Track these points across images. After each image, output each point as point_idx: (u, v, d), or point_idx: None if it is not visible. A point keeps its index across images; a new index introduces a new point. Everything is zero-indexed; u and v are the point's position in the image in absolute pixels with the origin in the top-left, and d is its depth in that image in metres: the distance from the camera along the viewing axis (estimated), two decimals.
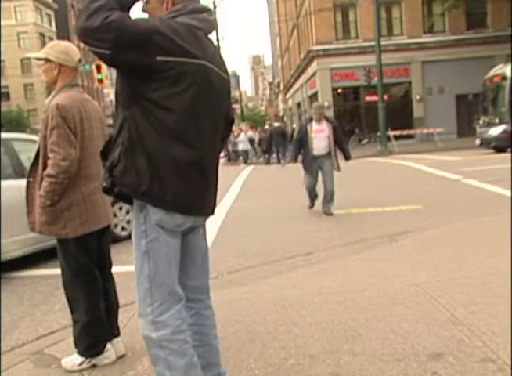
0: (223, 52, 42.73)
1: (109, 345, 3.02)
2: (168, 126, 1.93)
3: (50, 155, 2.83)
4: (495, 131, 16.86)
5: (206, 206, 2.12)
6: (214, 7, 30.82)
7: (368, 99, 27.59)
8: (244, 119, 43.96)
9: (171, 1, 2.03)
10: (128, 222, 6.91)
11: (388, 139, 22.81)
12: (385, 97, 23.84)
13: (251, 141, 26.68)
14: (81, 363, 2.97)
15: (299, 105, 41.12)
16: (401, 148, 22.43)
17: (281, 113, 59.75)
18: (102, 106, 50.56)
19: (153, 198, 1.94)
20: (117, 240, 6.58)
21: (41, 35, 62.15)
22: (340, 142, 8.09)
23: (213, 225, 7.22)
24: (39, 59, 3.02)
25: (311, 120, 8.10)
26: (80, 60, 3.06)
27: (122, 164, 1.95)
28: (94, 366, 2.98)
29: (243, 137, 25.89)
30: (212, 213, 2.18)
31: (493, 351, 2.68)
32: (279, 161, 22.26)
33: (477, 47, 27.58)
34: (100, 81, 19.24)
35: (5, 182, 5.52)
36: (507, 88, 16.90)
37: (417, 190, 9.86)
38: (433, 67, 28.15)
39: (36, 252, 5.88)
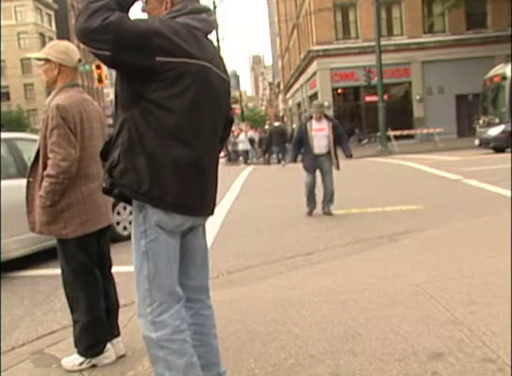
0: (223, 52, 42.80)
1: (109, 345, 3.02)
2: (168, 127, 1.93)
3: (50, 155, 2.83)
4: (494, 131, 16.86)
5: (206, 206, 2.12)
6: (214, 7, 30.82)
7: (368, 99, 27.63)
8: (244, 119, 43.93)
9: (170, 1, 2.02)
10: (131, 223, 6.90)
11: (388, 139, 22.81)
12: (385, 97, 23.85)
13: (251, 141, 26.68)
14: (81, 363, 2.97)
15: (299, 105, 41.12)
16: (401, 148, 22.43)
17: (281, 114, 59.75)
18: (102, 106, 50.54)
19: (152, 199, 1.94)
20: (118, 239, 6.54)
21: (41, 35, 62.15)
22: (341, 140, 8.00)
23: (213, 225, 7.22)
24: (39, 59, 3.02)
25: (310, 118, 7.98)
26: (80, 60, 3.06)
27: (122, 164, 1.95)
28: (94, 366, 2.98)
29: (243, 137, 25.89)
30: (212, 213, 2.18)
31: (493, 351, 2.68)
32: (279, 161, 22.25)
33: (477, 47, 27.58)
34: (100, 80, 19.22)
35: (9, 182, 5.52)
36: (507, 88, 16.90)
37: (417, 190, 9.86)
38: (433, 67, 28.15)
39: (36, 252, 5.88)
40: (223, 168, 16.76)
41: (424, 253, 4.93)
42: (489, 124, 17.37)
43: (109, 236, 3.20)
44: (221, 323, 2.97)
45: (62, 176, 2.81)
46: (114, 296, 3.16)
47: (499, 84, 17.43)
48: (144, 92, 1.91)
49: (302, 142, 8.00)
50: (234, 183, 14.08)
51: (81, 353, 2.98)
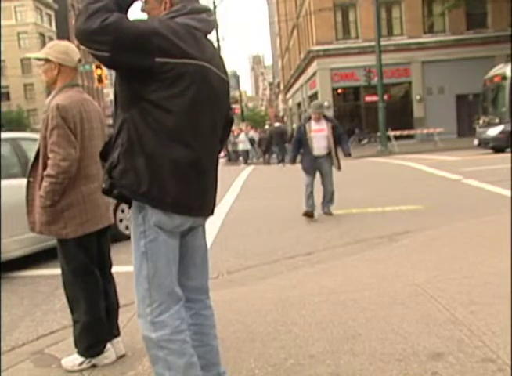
0: (223, 52, 42.78)
1: (109, 345, 3.02)
2: (167, 127, 1.93)
3: (50, 155, 2.83)
4: (493, 131, 16.86)
5: (205, 206, 2.12)
6: (214, 7, 30.84)
7: (368, 99, 27.63)
8: (244, 119, 43.96)
9: (169, 1, 2.02)
10: None
11: (388, 139, 22.81)
12: (385, 97, 23.85)
13: (252, 141, 26.68)
14: (81, 363, 2.97)
15: (299, 105, 41.13)
16: (401, 148, 22.43)
17: (281, 114, 59.74)
18: (102, 106, 50.55)
19: (152, 199, 1.94)
20: (120, 238, 6.49)
21: (41, 35, 62.15)
22: (341, 141, 7.90)
23: (213, 225, 7.22)
24: (39, 59, 3.02)
25: (309, 119, 7.88)
26: (80, 60, 3.06)
27: (121, 165, 1.95)
28: (94, 366, 2.98)
29: (243, 137, 25.88)
30: (212, 213, 2.18)
31: (493, 351, 2.68)
32: (279, 161, 22.23)
33: (477, 47, 27.59)
34: (100, 80, 19.21)
35: (15, 181, 5.53)
36: (507, 88, 16.90)
37: (417, 190, 9.86)
38: (433, 67, 28.16)
39: (36, 252, 5.88)
40: (223, 168, 16.77)
41: (424, 253, 4.93)
42: (489, 125, 17.37)
43: (109, 236, 3.20)
44: (221, 323, 2.97)
45: (62, 176, 2.81)
46: (114, 296, 3.16)
47: (499, 84, 17.43)
48: (143, 93, 1.91)
49: (301, 143, 7.87)
50: (234, 183, 14.08)
51: (81, 353, 2.98)
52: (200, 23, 2.03)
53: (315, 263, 5.01)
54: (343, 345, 2.94)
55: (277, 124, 25.17)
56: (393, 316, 3.33)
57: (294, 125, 36.85)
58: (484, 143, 17.37)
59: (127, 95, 1.95)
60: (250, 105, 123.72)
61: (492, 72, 18.45)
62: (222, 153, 21.55)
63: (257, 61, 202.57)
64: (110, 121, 2.08)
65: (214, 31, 2.16)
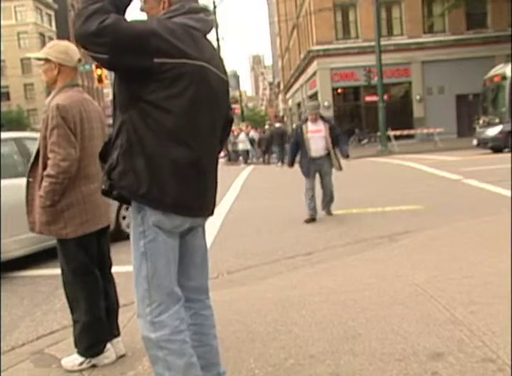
0: (223, 52, 42.80)
1: (109, 345, 3.02)
2: (167, 127, 1.92)
3: (50, 155, 2.83)
4: (492, 131, 16.86)
5: (205, 207, 2.12)
6: (214, 7, 30.83)
7: (368, 99, 27.60)
8: (244, 119, 43.97)
9: (167, 0, 2.02)
10: None
11: (388, 139, 22.81)
12: (385, 97, 23.84)
13: (252, 141, 26.67)
14: (81, 363, 2.97)
15: (299, 105, 41.11)
16: (401, 148, 22.43)
17: (281, 113, 59.73)
18: (102, 106, 50.47)
19: (152, 200, 1.94)
20: (121, 235, 6.45)
21: (41, 35, 62.15)
22: (339, 142, 7.69)
23: (213, 225, 7.22)
24: (39, 59, 3.02)
25: (306, 120, 7.72)
26: (80, 60, 3.06)
27: (120, 166, 1.94)
28: (94, 366, 2.98)
29: (243, 137, 25.87)
30: (212, 213, 2.18)
31: (493, 351, 2.68)
32: (278, 161, 22.20)
33: (477, 47, 27.59)
34: (100, 80, 19.21)
35: (19, 180, 5.55)
36: (507, 88, 16.91)
37: (417, 190, 9.86)
38: (433, 67, 28.16)
39: (36, 252, 5.88)
40: (223, 168, 16.76)
41: (424, 253, 4.93)
42: (489, 124, 17.37)
43: (109, 236, 3.20)
44: (221, 323, 2.97)
45: (62, 176, 2.81)
46: (114, 296, 3.16)
47: (499, 84, 17.44)
48: (142, 94, 1.91)
49: (299, 145, 7.69)
50: (234, 183, 14.08)
51: (81, 353, 2.98)
52: (198, 22, 2.02)
53: (315, 263, 5.01)
54: (343, 345, 2.94)
55: (277, 125, 25.16)
56: (393, 316, 3.33)
57: (294, 125, 36.86)
58: (483, 143, 17.38)
59: (126, 96, 1.95)
60: (250, 105, 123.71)
61: (492, 72, 18.46)
62: (222, 153, 21.55)
63: (257, 61, 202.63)
64: (110, 121, 2.08)
65: (213, 31, 2.16)
